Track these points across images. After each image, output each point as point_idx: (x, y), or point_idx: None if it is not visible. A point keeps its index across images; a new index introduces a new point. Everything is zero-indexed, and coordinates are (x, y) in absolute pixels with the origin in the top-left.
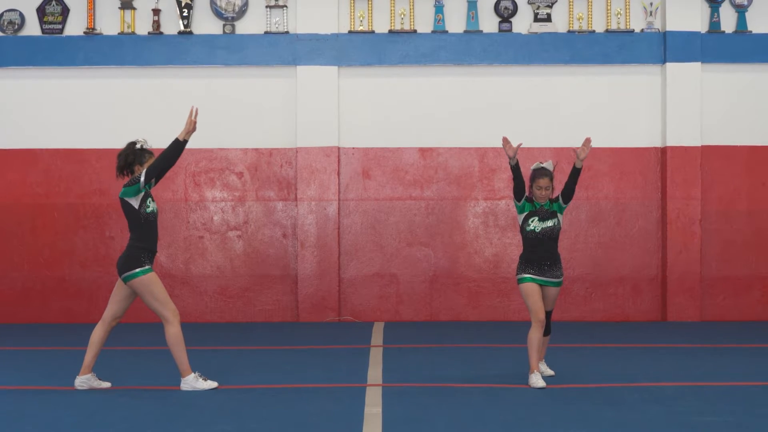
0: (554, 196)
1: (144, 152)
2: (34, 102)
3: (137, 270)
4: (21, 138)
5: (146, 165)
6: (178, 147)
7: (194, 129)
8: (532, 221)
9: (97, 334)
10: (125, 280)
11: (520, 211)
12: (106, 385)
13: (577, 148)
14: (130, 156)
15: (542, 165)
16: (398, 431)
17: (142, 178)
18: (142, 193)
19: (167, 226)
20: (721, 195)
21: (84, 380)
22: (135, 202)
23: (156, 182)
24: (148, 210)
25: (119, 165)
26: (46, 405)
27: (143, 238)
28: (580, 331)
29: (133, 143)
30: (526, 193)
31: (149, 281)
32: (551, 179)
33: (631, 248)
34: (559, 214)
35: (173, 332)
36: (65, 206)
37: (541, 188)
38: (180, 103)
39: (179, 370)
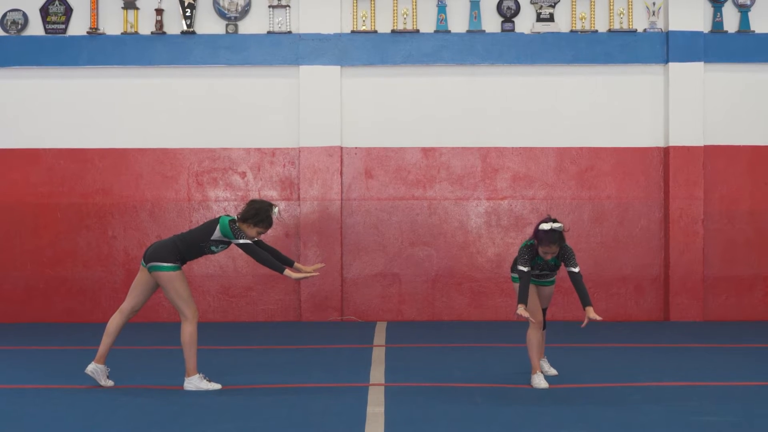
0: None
1: (268, 223)
2: (37, 102)
3: (166, 264)
4: (24, 137)
5: (252, 229)
6: (270, 268)
7: (302, 278)
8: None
9: (114, 323)
10: (151, 270)
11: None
12: (110, 384)
13: (591, 315)
14: (259, 216)
15: (554, 227)
16: (400, 431)
17: (239, 240)
18: (224, 241)
19: (170, 225)
20: (723, 195)
21: (95, 369)
22: (215, 237)
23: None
24: (212, 248)
25: (247, 213)
26: (49, 404)
27: (185, 252)
28: (583, 330)
29: (272, 208)
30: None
31: (176, 277)
32: (560, 244)
33: (634, 248)
34: (558, 265)
35: (189, 331)
36: (68, 206)
37: (547, 253)
38: (183, 103)
39: (186, 368)
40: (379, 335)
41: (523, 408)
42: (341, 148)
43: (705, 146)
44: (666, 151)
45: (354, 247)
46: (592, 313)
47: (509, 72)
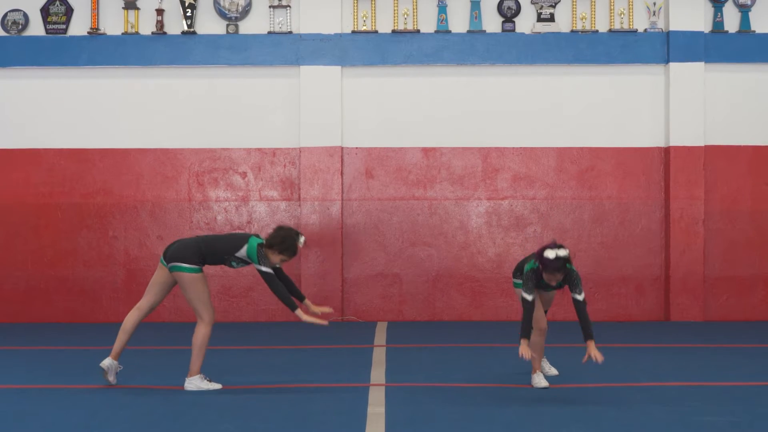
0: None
1: (292, 252)
2: (38, 102)
3: (188, 266)
4: (24, 138)
5: (277, 256)
6: (283, 303)
7: (310, 322)
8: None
9: (130, 321)
10: (172, 269)
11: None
12: (113, 381)
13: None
14: (286, 245)
15: (559, 254)
16: (401, 431)
17: (262, 267)
18: (247, 261)
19: (171, 226)
20: (724, 195)
21: (110, 364)
22: (239, 254)
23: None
24: (232, 263)
25: (274, 240)
26: (50, 404)
27: (207, 256)
28: None
29: (298, 237)
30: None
31: (198, 279)
32: (566, 270)
33: (634, 248)
34: (563, 286)
35: (203, 333)
36: (69, 206)
37: (552, 279)
38: (183, 103)
39: (189, 368)
40: (380, 335)
41: (523, 408)
42: (342, 148)
43: (706, 146)
44: (667, 151)
45: (354, 247)
46: (593, 349)
47: (510, 72)
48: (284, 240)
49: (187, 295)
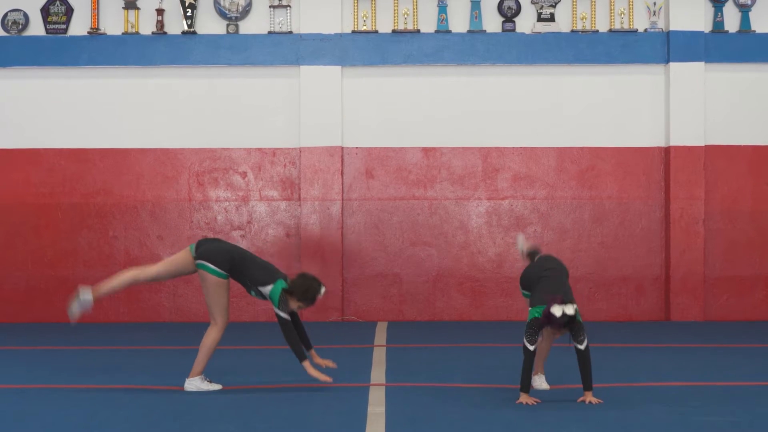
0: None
1: (311, 302)
2: (38, 102)
3: (215, 269)
4: (25, 138)
5: (295, 302)
6: (292, 351)
7: (315, 377)
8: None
9: (128, 277)
10: (199, 266)
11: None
12: (77, 315)
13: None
14: (307, 295)
15: (566, 312)
16: (401, 431)
17: (280, 313)
18: (265, 297)
19: (171, 225)
20: (724, 195)
21: (86, 294)
22: (263, 290)
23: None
24: (252, 291)
25: (296, 287)
26: (50, 404)
27: (236, 268)
28: None
29: (320, 288)
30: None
31: (221, 284)
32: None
33: (635, 248)
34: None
35: (214, 337)
36: (69, 206)
37: (556, 333)
38: (184, 103)
39: (192, 368)
40: (380, 335)
41: (524, 408)
42: (342, 148)
43: (706, 146)
44: (667, 151)
45: (355, 247)
46: (590, 398)
47: (510, 72)
48: (307, 291)
49: (207, 295)
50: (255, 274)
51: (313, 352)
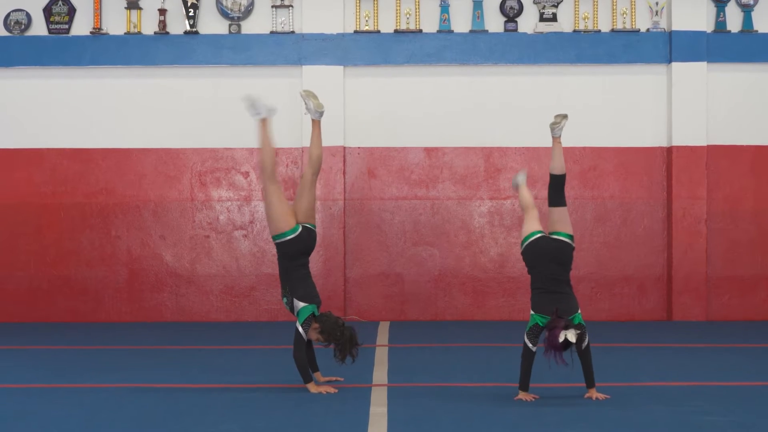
0: None
1: (329, 343)
2: (41, 102)
3: (293, 236)
4: (27, 137)
5: (315, 334)
6: (299, 372)
7: (315, 391)
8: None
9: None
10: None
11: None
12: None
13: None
14: (330, 336)
15: (569, 339)
16: (404, 431)
17: (300, 329)
18: (293, 309)
19: (173, 225)
20: (726, 194)
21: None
22: (296, 301)
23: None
24: (285, 294)
25: (325, 324)
26: (52, 403)
27: (295, 256)
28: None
29: (343, 335)
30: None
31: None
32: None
33: (637, 248)
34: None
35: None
36: (71, 206)
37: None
38: (186, 102)
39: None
40: (382, 335)
41: (526, 408)
42: (344, 147)
43: (708, 146)
44: (669, 150)
45: (357, 246)
46: (595, 394)
47: (512, 72)
48: (331, 333)
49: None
50: (298, 285)
51: (318, 374)
